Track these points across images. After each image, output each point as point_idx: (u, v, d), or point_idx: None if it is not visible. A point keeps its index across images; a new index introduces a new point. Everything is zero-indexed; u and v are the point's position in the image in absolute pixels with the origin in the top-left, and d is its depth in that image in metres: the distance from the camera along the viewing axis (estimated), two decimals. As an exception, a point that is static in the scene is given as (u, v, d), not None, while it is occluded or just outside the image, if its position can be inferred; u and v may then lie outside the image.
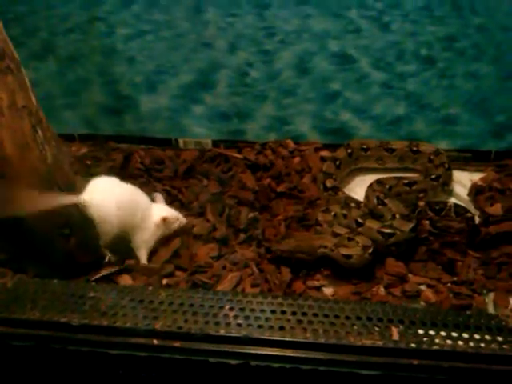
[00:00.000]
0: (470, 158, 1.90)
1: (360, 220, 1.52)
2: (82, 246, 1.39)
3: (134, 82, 1.95)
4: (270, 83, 1.91)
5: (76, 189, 1.38)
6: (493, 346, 1.03)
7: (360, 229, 1.50)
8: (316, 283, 1.40)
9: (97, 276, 1.36)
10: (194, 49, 1.87)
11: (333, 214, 1.58)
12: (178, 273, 1.41)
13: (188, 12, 1.82)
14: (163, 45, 1.88)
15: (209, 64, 1.89)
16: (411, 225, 1.48)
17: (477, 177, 1.81)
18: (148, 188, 1.69)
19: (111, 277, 1.38)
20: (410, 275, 1.42)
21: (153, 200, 1.54)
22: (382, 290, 1.38)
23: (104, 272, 1.38)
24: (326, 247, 1.44)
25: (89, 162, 1.43)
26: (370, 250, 1.42)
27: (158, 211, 1.49)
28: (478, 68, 1.79)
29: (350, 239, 1.46)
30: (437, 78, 1.82)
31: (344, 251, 1.42)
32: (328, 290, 1.37)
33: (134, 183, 1.70)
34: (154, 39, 1.88)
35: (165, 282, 1.37)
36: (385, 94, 1.87)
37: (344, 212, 1.57)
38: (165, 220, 1.47)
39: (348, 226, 1.53)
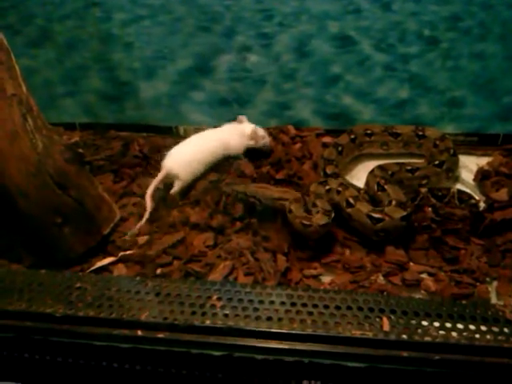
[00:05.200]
0: (476, 142, 1.84)
1: (351, 201, 1.47)
2: (76, 235, 1.39)
3: (133, 68, 1.92)
4: (269, 67, 1.86)
5: (68, 178, 1.37)
6: (488, 337, 1.00)
7: (349, 210, 1.46)
8: (313, 272, 1.37)
9: (93, 267, 1.35)
10: (192, 33, 1.84)
11: (327, 188, 1.53)
12: (173, 262, 1.39)
13: (184, -4, 1.79)
14: (160, 30, 1.85)
15: (207, 49, 1.86)
16: (403, 213, 1.42)
17: (484, 161, 1.74)
18: (146, 177, 1.69)
19: (107, 267, 1.37)
20: (410, 263, 1.38)
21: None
22: (380, 278, 1.34)
23: (99, 264, 1.37)
24: (285, 200, 1.44)
25: (81, 150, 1.41)
26: (307, 222, 1.39)
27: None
28: (484, 48, 1.72)
29: (318, 212, 1.43)
30: (441, 59, 1.76)
31: (292, 207, 1.42)
32: (325, 279, 1.34)
33: (131, 172, 1.72)
34: (151, 24, 1.84)
35: (159, 271, 1.35)
36: (387, 77, 1.81)
37: (340, 189, 1.52)
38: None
39: (338, 204, 1.49)
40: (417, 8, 1.69)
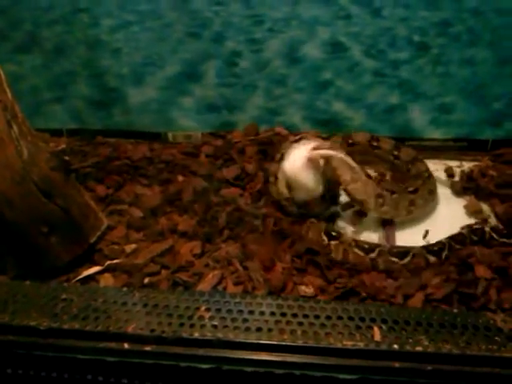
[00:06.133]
0: (466, 148, 1.84)
1: None
2: (62, 244, 1.36)
3: (121, 74, 1.90)
4: (259, 73, 1.85)
5: (54, 186, 1.34)
6: (479, 346, 0.99)
7: None
8: (303, 281, 1.33)
9: (79, 277, 1.32)
10: (181, 39, 1.82)
11: None
12: (161, 271, 1.37)
13: (173, 1, 1.77)
14: (149, 36, 1.83)
15: (196, 54, 1.84)
16: None
17: (473, 166, 1.74)
18: (134, 184, 1.67)
19: (93, 276, 1.34)
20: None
21: None
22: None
23: (85, 273, 1.34)
24: None
25: (67, 158, 1.38)
26: None
27: None
28: (474, 54, 1.72)
29: None
30: (431, 65, 1.75)
31: None
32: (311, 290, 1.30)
33: (119, 179, 1.69)
34: (140, 30, 1.82)
35: (147, 280, 1.32)
36: (378, 83, 1.81)
37: None
38: None
39: None
40: (407, 13, 1.69)
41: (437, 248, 1.33)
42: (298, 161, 1.42)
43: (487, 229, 1.39)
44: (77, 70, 1.91)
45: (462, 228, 1.46)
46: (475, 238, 1.37)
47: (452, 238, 1.37)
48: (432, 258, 1.31)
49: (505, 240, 1.36)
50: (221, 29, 1.79)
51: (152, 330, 1.01)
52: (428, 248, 1.33)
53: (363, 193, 1.48)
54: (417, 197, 1.52)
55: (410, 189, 1.54)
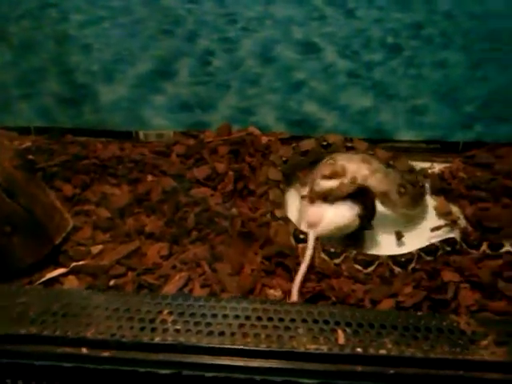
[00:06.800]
0: (437, 150, 1.84)
1: None
2: (26, 245, 1.33)
3: (91, 71, 1.86)
4: (232, 72, 1.83)
5: (18, 185, 1.31)
6: (443, 349, 0.98)
7: None
8: (272, 283, 1.32)
9: (42, 279, 1.29)
10: (153, 36, 1.79)
11: None
12: (127, 273, 1.34)
13: (145, -3, 1.74)
14: (120, 32, 1.79)
15: (169, 52, 1.81)
16: None
17: (444, 168, 1.75)
18: (102, 184, 1.64)
19: (57, 278, 1.31)
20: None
21: None
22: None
23: (49, 275, 1.31)
24: None
25: (31, 157, 1.35)
26: None
27: None
28: (446, 57, 1.72)
29: None
30: (404, 67, 1.76)
31: None
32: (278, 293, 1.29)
33: (87, 178, 1.66)
34: (111, 26, 1.79)
35: (112, 282, 1.30)
36: (351, 84, 1.80)
37: None
38: None
39: None
40: (380, 15, 1.69)
41: (404, 259, 1.31)
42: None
43: (458, 239, 1.38)
44: (45, 66, 1.86)
45: (432, 230, 1.47)
46: (448, 249, 1.35)
47: (422, 249, 1.34)
48: (397, 269, 1.30)
49: (474, 251, 1.36)
50: (194, 27, 1.77)
51: (112, 335, 0.98)
52: (395, 258, 1.31)
53: (385, 183, 1.48)
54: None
55: (421, 183, 1.56)
